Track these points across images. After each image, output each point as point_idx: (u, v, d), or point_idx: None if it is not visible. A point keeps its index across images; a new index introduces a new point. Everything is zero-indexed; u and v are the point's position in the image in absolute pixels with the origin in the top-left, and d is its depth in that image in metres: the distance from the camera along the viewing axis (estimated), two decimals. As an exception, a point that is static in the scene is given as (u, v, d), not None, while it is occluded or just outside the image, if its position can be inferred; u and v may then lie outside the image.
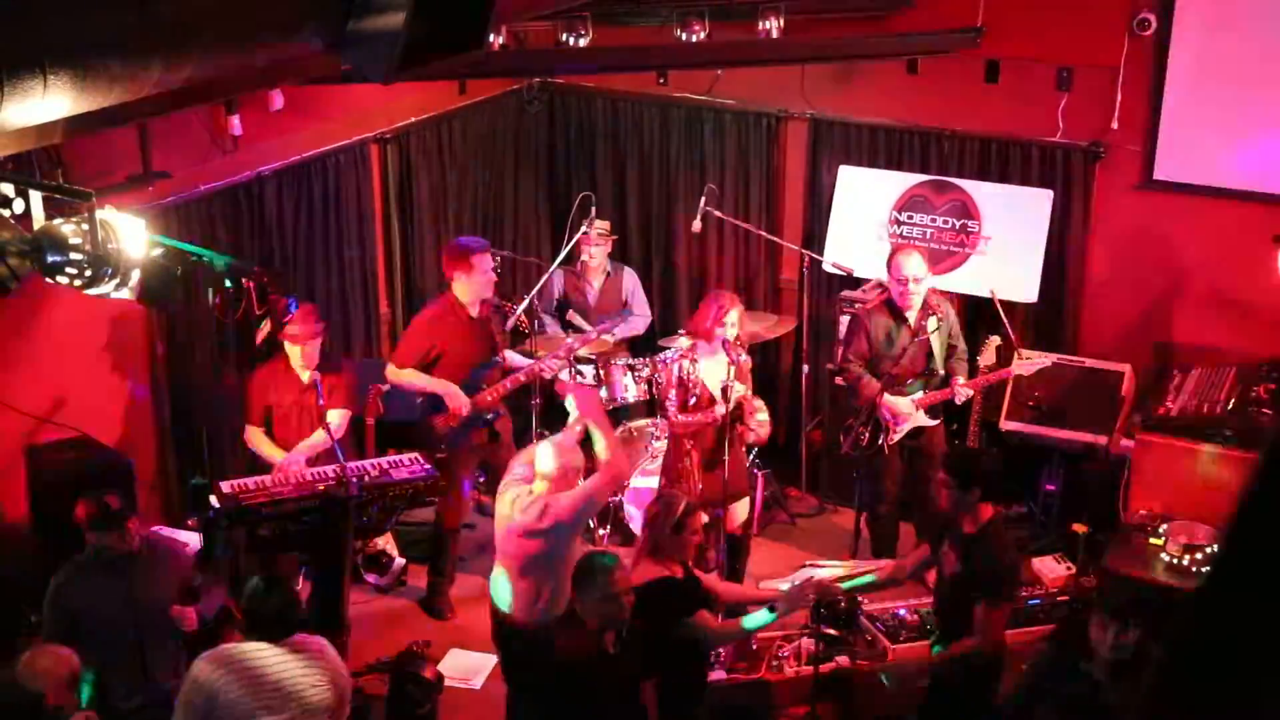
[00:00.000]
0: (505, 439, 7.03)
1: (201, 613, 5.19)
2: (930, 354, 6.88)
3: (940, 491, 5.27)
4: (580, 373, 7.48)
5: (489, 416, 6.85)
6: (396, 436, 7.23)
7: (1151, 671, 1.08)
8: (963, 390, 6.83)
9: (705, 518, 6.59)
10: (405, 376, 6.74)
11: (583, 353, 7.44)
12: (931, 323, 6.79)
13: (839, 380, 7.58)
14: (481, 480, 7.37)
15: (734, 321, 6.38)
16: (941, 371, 6.91)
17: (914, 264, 6.75)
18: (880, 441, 6.92)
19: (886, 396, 6.83)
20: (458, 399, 6.70)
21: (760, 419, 6.58)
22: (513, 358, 7.04)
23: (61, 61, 2.66)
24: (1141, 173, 7.56)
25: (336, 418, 6.41)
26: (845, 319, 7.85)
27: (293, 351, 6.38)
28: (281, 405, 6.48)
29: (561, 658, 4.74)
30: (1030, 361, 6.90)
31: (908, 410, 6.87)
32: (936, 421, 6.98)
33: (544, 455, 5.35)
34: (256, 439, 6.49)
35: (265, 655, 4.40)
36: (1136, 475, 6.71)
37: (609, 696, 4.71)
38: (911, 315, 6.85)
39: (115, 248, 4.16)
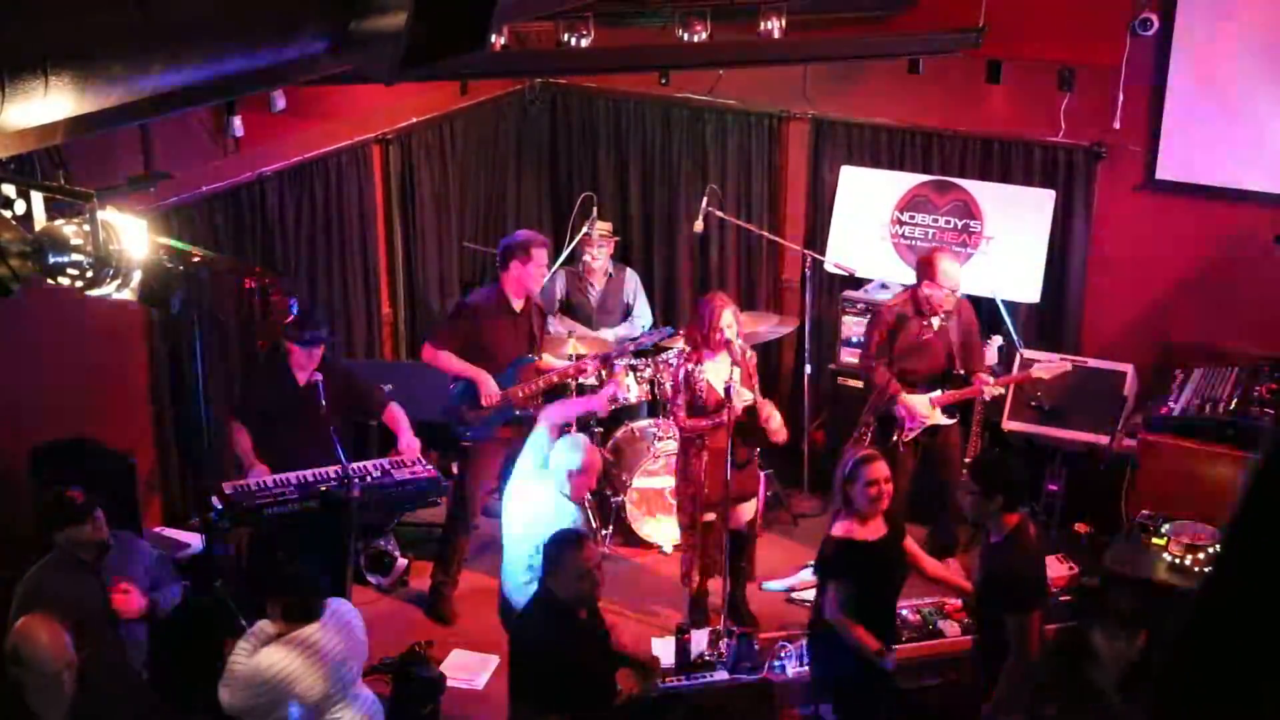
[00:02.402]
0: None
1: (156, 603, 5.19)
2: (950, 354, 6.87)
3: (964, 497, 5.25)
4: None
5: (519, 413, 6.85)
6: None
7: (1153, 671, 1.08)
8: (991, 389, 6.81)
9: (710, 516, 6.63)
10: (441, 358, 6.75)
11: (582, 350, 7.44)
12: (952, 323, 6.78)
13: (853, 380, 7.62)
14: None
15: (729, 322, 6.36)
16: (961, 371, 6.89)
17: (958, 272, 6.75)
18: (895, 439, 6.90)
19: (904, 395, 6.82)
20: (491, 388, 6.70)
21: (775, 425, 6.57)
22: (547, 359, 7.06)
23: (63, 62, 2.66)
24: (1143, 173, 7.56)
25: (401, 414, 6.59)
26: (846, 319, 7.85)
27: (296, 353, 6.36)
28: (276, 406, 6.47)
29: (547, 633, 4.87)
30: (1052, 365, 6.84)
31: (925, 409, 6.85)
32: (953, 421, 6.96)
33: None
34: (240, 439, 6.48)
35: (316, 635, 4.69)
36: (1139, 475, 6.70)
37: (588, 664, 4.89)
38: (935, 317, 6.83)
39: (116, 248, 4.16)
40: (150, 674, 5.28)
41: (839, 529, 5.37)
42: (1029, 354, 7.07)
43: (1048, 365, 6.87)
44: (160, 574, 5.32)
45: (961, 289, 6.82)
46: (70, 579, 4.95)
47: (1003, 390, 6.92)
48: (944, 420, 6.92)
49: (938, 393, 6.87)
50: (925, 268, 6.80)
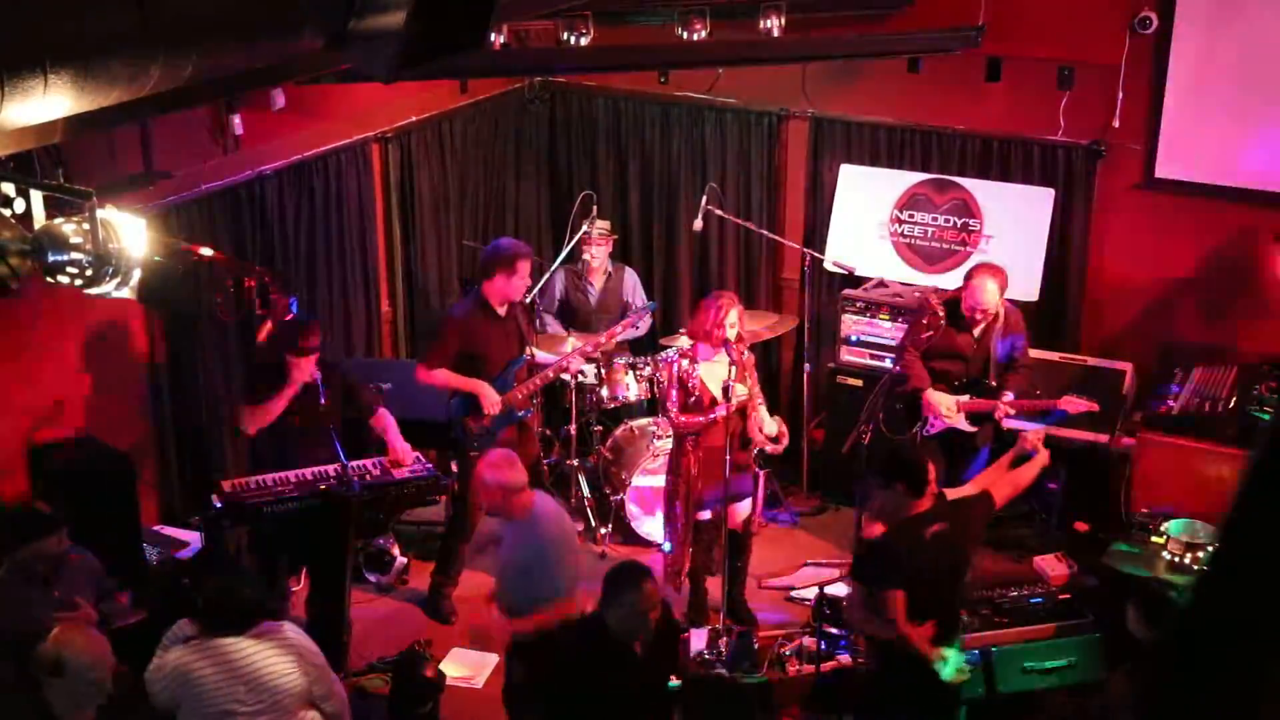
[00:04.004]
0: (531, 433, 7.04)
1: (106, 615, 5.12)
2: (986, 363, 6.81)
3: (874, 490, 5.35)
4: (582, 371, 7.48)
5: (520, 414, 6.85)
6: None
7: (1148, 666, 1.08)
8: (1007, 407, 6.70)
9: (705, 514, 6.63)
10: (437, 377, 6.73)
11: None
12: (995, 333, 6.74)
13: (852, 378, 7.61)
14: None
15: (733, 322, 6.36)
16: (994, 382, 6.81)
17: (988, 294, 6.61)
18: (915, 431, 6.88)
19: (929, 391, 6.80)
20: (491, 397, 6.70)
21: (769, 430, 6.55)
22: (539, 355, 7.05)
23: (62, 61, 2.66)
24: (1142, 171, 7.56)
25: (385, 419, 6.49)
26: (846, 318, 7.85)
27: (297, 366, 6.31)
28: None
29: (587, 659, 4.73)
30: (1079, 402, 6.69)
31: (948, 410, 6.82)
32: (975, 429, 6.85)
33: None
34: (260, 413, 6.42)
35: (241, 647, 4.53)
36: (1138, 473, 6.71)
37: (633, 699, 4.72)
38: (976, 327, 6.77)
39: (116, 247, 4.16)
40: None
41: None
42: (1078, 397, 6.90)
43: (1076, 401, 6.71)
44: (106, 584, 5.27)
45: (984, 309, 6.66)
46: (23, 594, 4.85)
47: (1013, 413, 6.76)
48: (966, 427, 6.83)
49: (965, 398, 6.82)
50: (965, 279, 6.75)
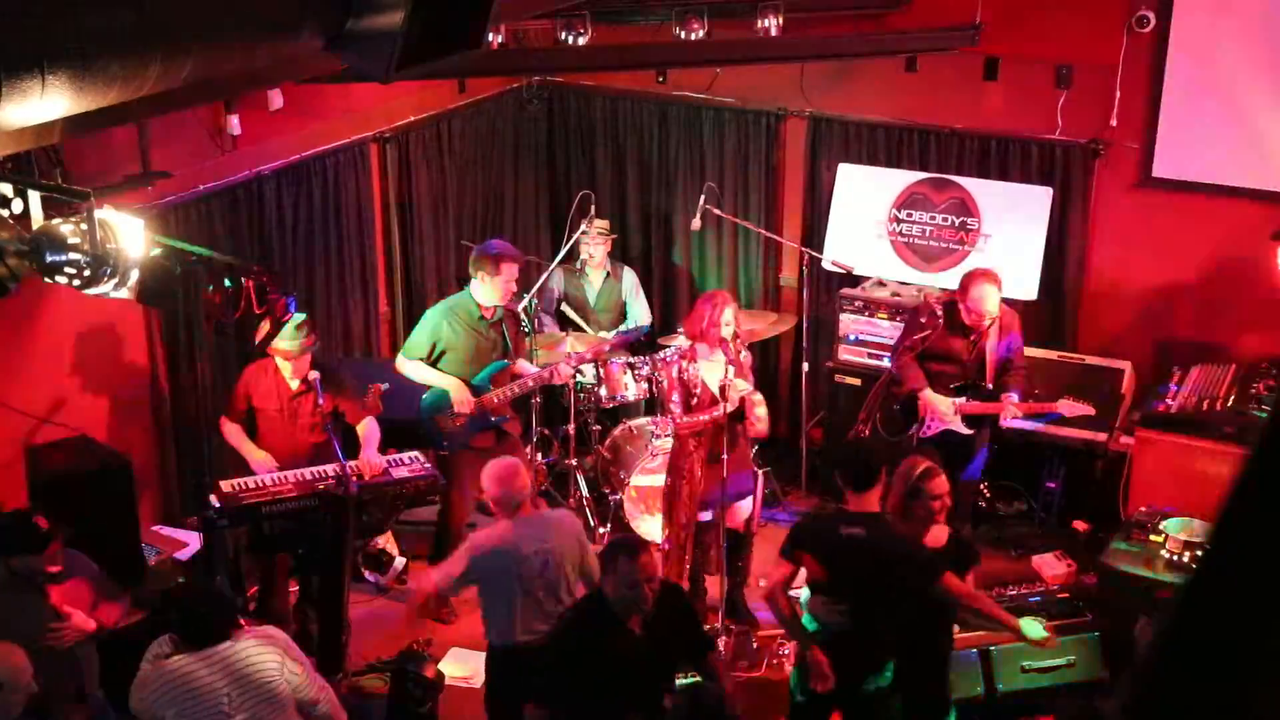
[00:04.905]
0: (512, 441, 7.01)
1: (103, 622, 5.09)
2: (982, 366, 6.80)
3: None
4: (580, 372, 7.48)
5: (495, 419, 6.83)
6: (397, 435, 7.22)
7: (1137, 672, 1.08)
8: (1011, 410, 6.69)
9: (707, 515, 6.63)
10: (411, 368, 6.74)
11: (580, 349, 7.43)
12: (992, 335, 6.72)
13: (851, 378, 7.62)
14: None
15: (729, 320, 6.36)
16: (990, 386, 6.81)
17: (993, 300, 6.60)
18: (912, 433, 6.88)
19: (927, 392, 6.80)
20: (464, 395, 6.68)
21: (759, 414, 6.54)
22: (521, 365, 7.03)
23: (60, 61, 2.66)
24: (1140, 170, 7.56)
25: (365, 428, 6.45)
26: (844, 317, 7.85)
27: (283, 364, 6.32)
28: (266, 411, 6.43)
29: (584, 632, 4.76)
30: (1076, 406, 6.71)
31: (946, 411, 6.81)
32: (971, 432, 6.86)
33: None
34: (235, 435, 6.43)
35: (224, 650, 4.51)
36: (1137, 472, 6.71)
37: (631, 678, 4.75)
38: (972, 331, 6.76)
39: (114, 247, 4.17)
40: (105, 689, 5.21)
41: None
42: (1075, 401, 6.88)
43: (1073, 405, 6.71)
44: (105, 589, 5.25)
45: (991, 315, 6.65)
46: (17, 601, 4.82)
47: (1020, 415, 6.77)
48: (963, 430, 6.83)
49: (962, 400, 6.81)
50: (961, 284, 6.73)
